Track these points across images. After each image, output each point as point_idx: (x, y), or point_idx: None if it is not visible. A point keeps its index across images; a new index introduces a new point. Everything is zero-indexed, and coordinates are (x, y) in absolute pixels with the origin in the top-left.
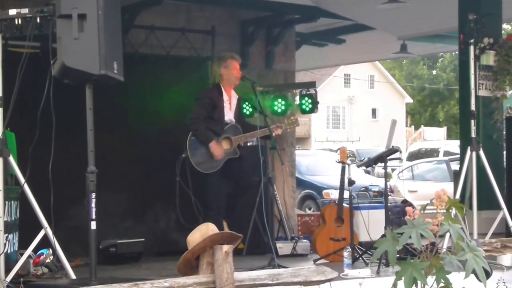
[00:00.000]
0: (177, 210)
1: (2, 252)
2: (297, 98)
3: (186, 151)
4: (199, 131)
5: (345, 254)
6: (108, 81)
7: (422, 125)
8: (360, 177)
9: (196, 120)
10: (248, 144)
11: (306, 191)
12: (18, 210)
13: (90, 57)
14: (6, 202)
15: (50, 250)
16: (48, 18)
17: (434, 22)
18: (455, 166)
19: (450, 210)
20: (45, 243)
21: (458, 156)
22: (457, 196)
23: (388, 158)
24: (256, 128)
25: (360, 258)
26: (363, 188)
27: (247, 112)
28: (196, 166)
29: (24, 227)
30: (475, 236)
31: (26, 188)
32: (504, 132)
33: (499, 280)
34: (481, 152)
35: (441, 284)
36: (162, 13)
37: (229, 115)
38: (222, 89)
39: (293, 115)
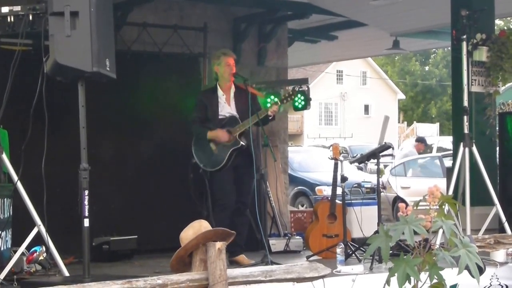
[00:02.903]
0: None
1: None
2: None
3: (193, 156)
4: (197, 130)
5: (338, 250)
6: (101, 78)
7: (414, 121)
8: (352, 173)
9: (193, 123)
10: None
11: (299, 187)
12: (11, 207)
13: (83, 54)
14: None
15: (43, 248)
16: (40, 16)
17: (426, 18)
18: (448, 162)
19: (443, 206)
20: (38, 240)
21: (451, 152)
22: (450, 192)
23: (380, 154)
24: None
25: (353, 255)
26: (356, 185)
27: None
28: (204, 168)
29: (17, 224)
30: (468, 232)
31: (19, 185)
32: (497, 128)
33: (492, 276)
34: (474, 148)
35: (434, 280)
36: (155, 10)
37: (226, 109)
38: (218, 87)
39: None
